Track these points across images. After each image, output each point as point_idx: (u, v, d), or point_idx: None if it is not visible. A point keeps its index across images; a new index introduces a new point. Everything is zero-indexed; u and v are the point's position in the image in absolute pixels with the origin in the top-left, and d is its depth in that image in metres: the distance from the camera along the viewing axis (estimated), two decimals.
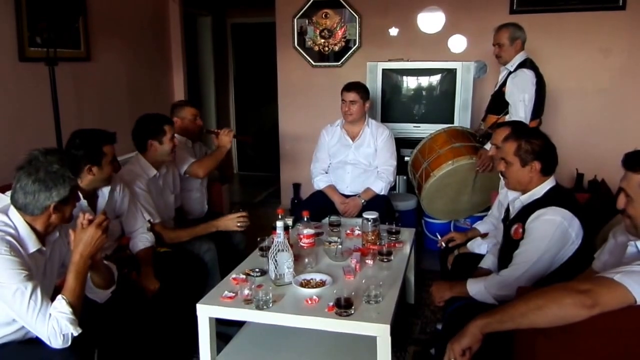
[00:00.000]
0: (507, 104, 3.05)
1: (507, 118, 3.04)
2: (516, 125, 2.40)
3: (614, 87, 3.92)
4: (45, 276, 1.71)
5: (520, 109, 2.96)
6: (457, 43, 4.14)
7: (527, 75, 2.99)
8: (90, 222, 1.64)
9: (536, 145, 1.94)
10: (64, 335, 1.53)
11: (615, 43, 3.87)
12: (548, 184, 1.98)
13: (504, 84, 3.12)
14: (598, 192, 2.87)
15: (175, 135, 2.69)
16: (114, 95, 3.79)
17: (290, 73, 4.57)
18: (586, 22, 3.88)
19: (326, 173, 3.37)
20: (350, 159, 3.31)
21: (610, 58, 3.89)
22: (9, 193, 1.67)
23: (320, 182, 3.33)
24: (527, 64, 3.05)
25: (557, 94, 3.78)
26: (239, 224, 2.64)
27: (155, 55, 4.35)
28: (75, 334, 1.55)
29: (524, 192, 2.02)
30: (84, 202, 2.14)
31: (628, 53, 3.87)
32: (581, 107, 4.01)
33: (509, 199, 2.17)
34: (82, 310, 1.62)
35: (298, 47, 4.48)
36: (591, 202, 2.54)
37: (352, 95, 3.19)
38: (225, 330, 2.31)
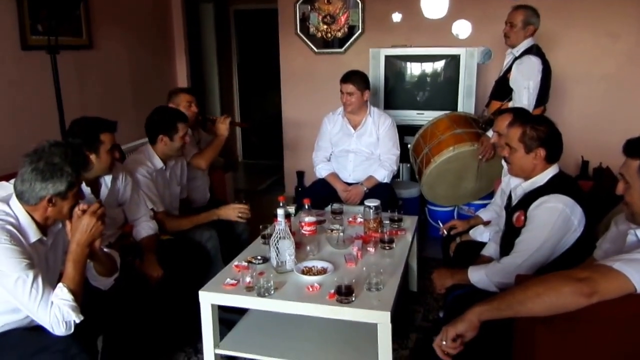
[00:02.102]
0: (511, 90, 3.01)
1: (511, 104, 3.01)
2: (518, 112, 2.38)
3: (622, 72, 3.87)
4: (48, 266, 1.73)
5: (524, 96, 2.93)
6: (462, 28, 4.09)
7: (534, 62, 2.94)
8: (84, 211, 1.65)
9: (542, 131, 1.93)
10: (66, 322, 1.55)
11: (624, 28, 3.81)
12: (551, 171, 1.97)
13: (508, 69, 3.07)
14: (602, 180, 2.84)
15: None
16: (116, 83, 3.79)
17: (293, 60, 4.54)
18: (594, 6, 3.81)
19: (328, 161, 3.36)
20: (353, 148, 3.29)
21: (619, 43, 3.83)
22: (12, 181, 1.68)
23: (322, 170, 3.33)
24: (533, 50, 3.00)
25: (563, 80, 3.73)
26: (239, 215, 2.65)
27: (157, 42, 4.33)
28: (78, 321, 1.57)
29: (526, 178, 2.01)
30: (87, 189, 2.15)
31: (636, 38, 3.80)
32: (587, 93, 3.96)
33: (511, 186, 2.16)
34: (85, 297, 1.63)
35: (301, 34, 4.45)
36: (595, 190, 2.52)
37: (349, 87, 3.16)
38: (228, 317, 2.33)
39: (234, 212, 2.66)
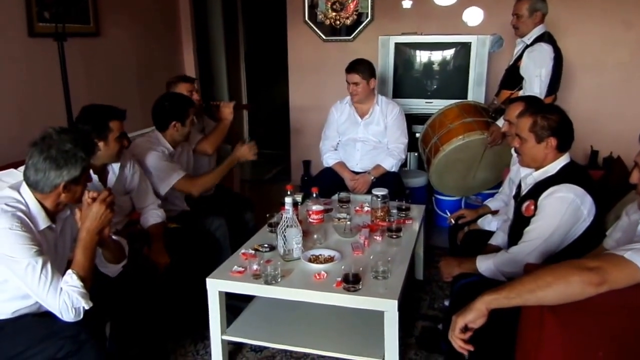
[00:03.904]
0: (521, 78, 2.98)
1: (521, 93, 2.97)
2: (530, 101, 2.35)
3: (635, 61, 3.80)
4: (57, 252, 1.74)
5: (535, 84, 2.89)
6: (473, 16, 4.04)
7: (545, 49, 2.90)
8: (94, 199, 1.66)
9: (553, 121, 1.90)
10: (75, 308, 1.56)
11: (638, 16, 3.73)
12: (562, 160, 1.94)
13: (519, 57, 3.04)
14: (612, 169, 2.81)
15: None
16: (123, 71, 3.78)
17: (301, 48, 4.51)
18: None
19: (335, 150, 3.35)
20: (360, 137, 3.27)
21: (632, 31, 3.76)
22: (22, 169, 1.69)
23: (329, 159, 3.31)
24: (545, 37, 2.96)
25: (574, 68, 3.68)
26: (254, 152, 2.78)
27: (165, 30, 4.31)
28: (87, 307, 1.58)
29: (537, 168, 1.98)
30: (94, 176, 2.16)
31: None
32: (599, 82, 3.90)
33: (521, 175, 2.14)
34: (93, 284, 1.65)
35: (309, 21, 4.41)
36: (605, 180, 2.49)
37: (354, 77, 3.12)
38: (236, 304, 2.34)
39: (250, 151, 2.77)
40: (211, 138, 2.99)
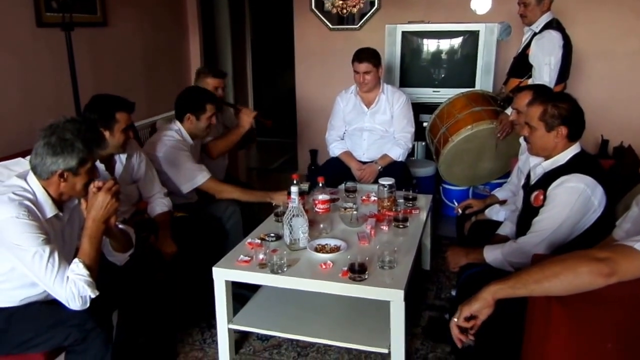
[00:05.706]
0: (530, 66, 2.94)
1: (531, 81, 2.93)
2: (538, 89, 2.32)
3: None
4: (64, 241, 1.75)
5: (545, 72, 2.85)
6: (480, 3, 3.98)
7: (554, 37, 2.86)
8: (100, 188, 1.66)
9: (563, 109, 1.87)
10: (81, 297, 1.57)
11: None
12: (573, 150, 1.91)
13: (528, 45, 3.00)
14: (623, 159, 2.78)
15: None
16: (130, 61, 3.78)
17: (308, 37, 4.47)
18: None
19: (342, 139, 3.33)
20: (367, 126, 3.25)
21: None
22: (28, 157, 1.70)
23: (335, 149, 3.30)
24: (553, 24, 2.92)
25: (583, 56, 3.63)
26: None
27: (171, 19, 4.29)
28: (93, 296, 1.59)
29: (547, 158, 1.96)
30: (101, 166, 2.16)
31: None
32: (608, 70, 3.84)
33: (530, 165, 2.12)
34: (101, 272, 1.65)
35: (315, 10, 4.37)
36: (615, 169, 2.46)
37: (364, 66, 3.09)
38: (243, 293, 2.35)
39: (280, 199, 2.63)
40: (220, 143, 2.96)
